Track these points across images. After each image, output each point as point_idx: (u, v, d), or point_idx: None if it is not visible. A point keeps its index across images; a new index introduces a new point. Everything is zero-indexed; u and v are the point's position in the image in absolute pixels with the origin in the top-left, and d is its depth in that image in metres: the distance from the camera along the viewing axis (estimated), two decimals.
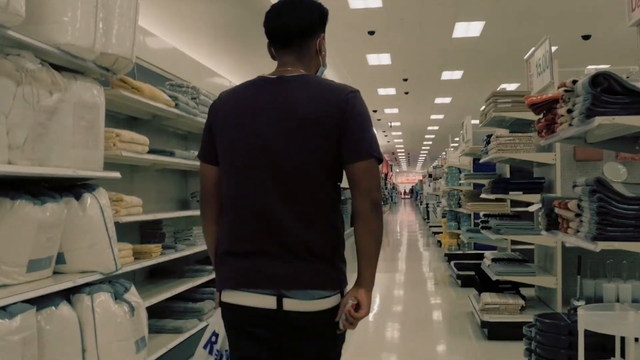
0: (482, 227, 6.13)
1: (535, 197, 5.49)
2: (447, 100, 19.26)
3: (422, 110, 21.67)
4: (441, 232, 13.48)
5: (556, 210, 3.26)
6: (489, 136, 6.01)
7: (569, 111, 3.03)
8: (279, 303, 1.93)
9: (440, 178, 16.17)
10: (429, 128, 27.47)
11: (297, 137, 1.96)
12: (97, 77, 3.55)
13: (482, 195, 6.33)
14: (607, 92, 2.72)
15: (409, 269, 11.16)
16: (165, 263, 4.89)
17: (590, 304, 4.80)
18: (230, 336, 2.10)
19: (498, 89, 17.25)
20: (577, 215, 2.98)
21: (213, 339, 2.20)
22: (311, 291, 1.95)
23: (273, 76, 2.08)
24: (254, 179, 2.00)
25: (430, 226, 19.02)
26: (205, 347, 2.19)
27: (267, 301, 1.94)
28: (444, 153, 25.60)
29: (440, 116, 23.16)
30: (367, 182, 1.98)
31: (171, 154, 4.70)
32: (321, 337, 2.01)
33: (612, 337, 2.89)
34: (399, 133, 30.30)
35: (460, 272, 8.55)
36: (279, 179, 1.97)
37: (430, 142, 34.62)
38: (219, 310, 2.13)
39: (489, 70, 14.76)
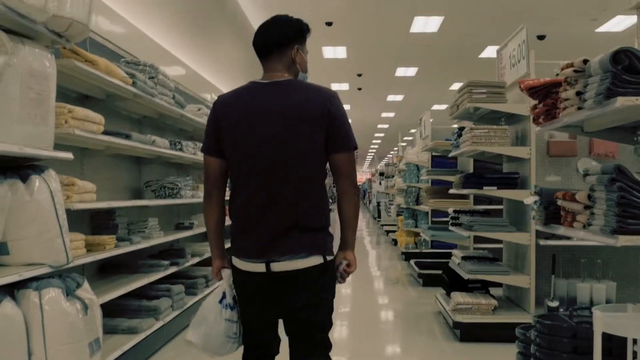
0: (452, 224, 5.90)
1: (509, 193, 5.31)
2: (399, 97, 19.19)
3: (373, 107, 21.59)
4: (395, 231, 13.28)
5: (559, 202, 3.01)
6: (461, 129, 5.77)
7: (579, 94, 2.79)
8: (268, 267, 2.45)
9: (394, 176, 16.00)
10: (379, 126, 27.42)
11: (297, 129, 2.43)
12: (48, 45, 3.13)
13: (452, 191, 6.10)
14: (627, 71, 2.48)
15: (367, 268, 10.90)
16: (118, 257, 4.46)
17: (563, 304, 4.64)
18: (240, 293, 2.61)
19: (450, 88, 17.30)
20: (587, 207, 2.74)
21: (224, 294, 2.63)
22: (291, 255, 2.43)
23: (266, 81, 2.53)
24: (263, 165, 2.44)
25: (382, 225, 18.86)
26: (220, 302, 2.61)
27: (258, 267, 2.47)
28: (395, 149, 25.55)
29: (391, 114, 23.11)
30: (349, 168, 2.54)
31: (127, 137, 4.27)
32: (307, 288, 2.48)
33: (619, 341, 2.67)
34: None
35: (422, 271, 8.31)
36: (284, 164, 2.43)
37: (379, 141, 34.64)
38: (227, 271, 2.64)
39: (443, 68, 14.72)
